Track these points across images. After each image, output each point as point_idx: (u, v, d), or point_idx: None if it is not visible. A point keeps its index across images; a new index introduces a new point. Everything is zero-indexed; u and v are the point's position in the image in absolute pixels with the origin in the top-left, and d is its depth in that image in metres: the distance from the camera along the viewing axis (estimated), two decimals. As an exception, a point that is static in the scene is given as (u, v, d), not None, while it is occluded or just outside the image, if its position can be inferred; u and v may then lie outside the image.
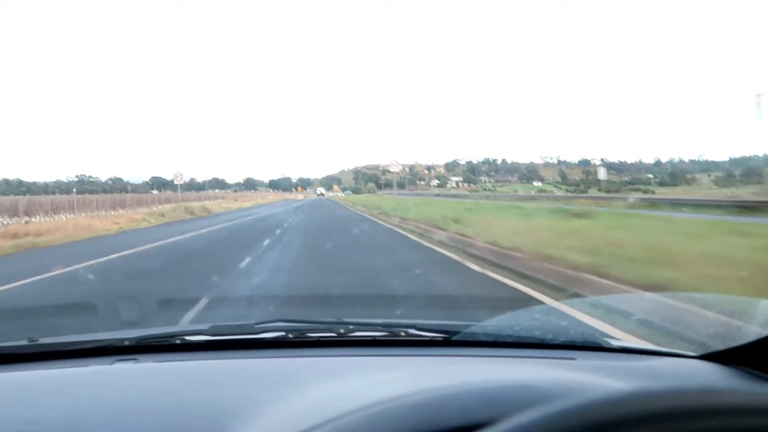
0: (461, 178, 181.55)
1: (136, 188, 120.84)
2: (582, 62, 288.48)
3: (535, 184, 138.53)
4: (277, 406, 1.09)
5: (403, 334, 1.69)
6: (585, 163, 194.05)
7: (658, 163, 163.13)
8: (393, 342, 1.69)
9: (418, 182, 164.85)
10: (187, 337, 1.72)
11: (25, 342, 1.65)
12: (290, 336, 1.70)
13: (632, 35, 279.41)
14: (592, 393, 0.64)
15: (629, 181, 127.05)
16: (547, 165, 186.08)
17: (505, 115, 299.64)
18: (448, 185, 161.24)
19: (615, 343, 1.66)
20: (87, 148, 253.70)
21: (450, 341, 1.66)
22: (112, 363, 1.52)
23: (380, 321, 1.84)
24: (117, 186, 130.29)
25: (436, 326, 1.74)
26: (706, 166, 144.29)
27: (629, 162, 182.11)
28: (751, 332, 1.41)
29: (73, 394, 1.30)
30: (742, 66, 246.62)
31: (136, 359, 1.56)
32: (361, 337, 1.71)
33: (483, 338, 1.69)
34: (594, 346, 1.62)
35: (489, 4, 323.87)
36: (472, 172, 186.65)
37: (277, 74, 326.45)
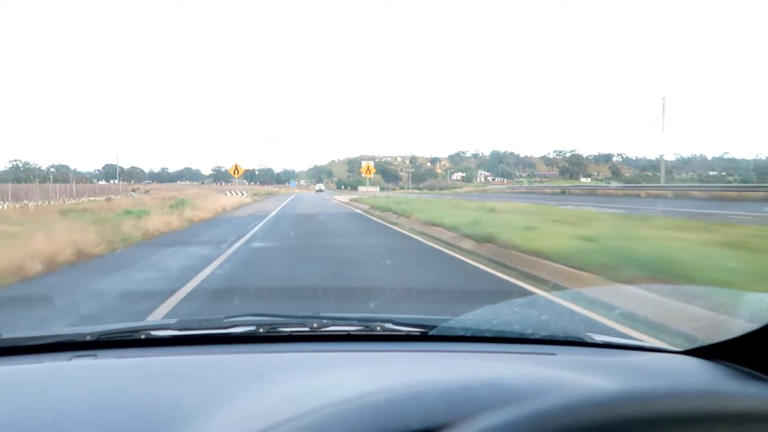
0: (488, 172, 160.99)
1: (76, 177, 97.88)
2: (585, 54, 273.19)
3: (583, 180, 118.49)
4: (240, 404, 1.13)
5: (378, 328, 1.74)
6: (606, 158, 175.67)
7: (686, 160, 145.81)
8: (368, 337, 1.74)
9: (438, 176, 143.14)
10: (153, 332, 1.76)
11: None
12: (261, 331, 1.74)
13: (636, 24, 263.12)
14: (567, 393, 0.61)
15: (700, 178, 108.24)
16: (563, 158, 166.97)
17: (510, 105, 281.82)
18: (476, 179, 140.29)
19: (597, 338, 1.72)
20: (27, 131, 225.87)
21: (427, 336, 1.72)
22: (69, 359, 1.57)
23: (356, 315, 1.90)
24: (59, 175, 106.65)
25: (413, 320, 1.80)
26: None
27: (648, 157, 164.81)
28: (737, 326, 1.48)
29: (25, 391, 1.34)
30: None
31: (95, 355, 1.60)
32: (335, 332, 1.76)
33: (461, 333, 1.73)
34: (575, 341, 1.69)
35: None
36: (500, 162, 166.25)
37: (257, 56, 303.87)
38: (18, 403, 1.24)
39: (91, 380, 1.40)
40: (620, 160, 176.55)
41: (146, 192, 58.21)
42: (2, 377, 1.44)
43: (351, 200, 38.35)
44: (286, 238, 14.31)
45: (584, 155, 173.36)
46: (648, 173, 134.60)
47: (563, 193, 49.44)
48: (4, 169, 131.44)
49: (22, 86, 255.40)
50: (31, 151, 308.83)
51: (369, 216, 22.55)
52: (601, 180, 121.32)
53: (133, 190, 59.92)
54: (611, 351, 1.64)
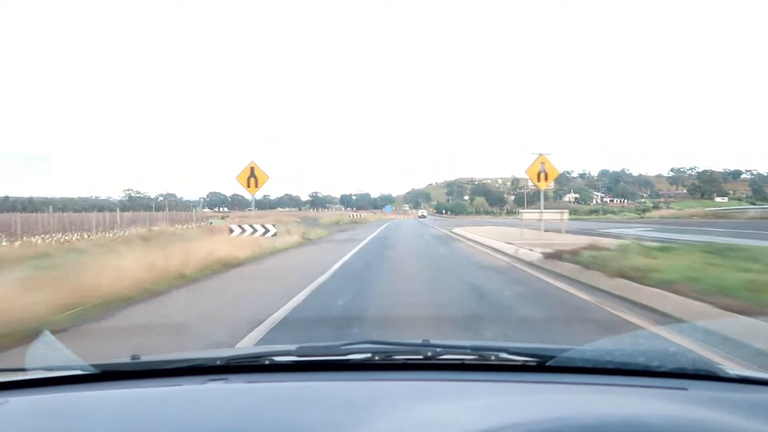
0: (602, 193, 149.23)
1: (183, 205, 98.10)
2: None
3: (718, 200, 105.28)
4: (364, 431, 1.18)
5: (493, 358, 1.72)
6: (733, 175, 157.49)
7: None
8: (482, 366, 1.73)
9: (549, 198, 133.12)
10: (276, 358, 1.86)
11: (128, 359, 1.85)
12: (376, 358, 1.80)
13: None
14: None
15: None
16: (688, 176, 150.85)
17: (618, 121, 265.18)
18: (593, 201, 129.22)
19: (732, 372, 1.63)
20: (137, 163, 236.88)
21: (544, 366, 1.68)
22: (204, 382, 1.70)
23: (469, 344, 1.86)
24: (165, 203, 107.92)
25: (529, 350, 1.77)
26: None
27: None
28: None
29: (167, 412, 1.45)
30: None
31: (226, 379, 1.72)
32: (448, 360, 1.76)
33: (580, 364, 1.68)
34: (707, 375, 1.61)
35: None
36: (618, 182, 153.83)
37: (352, 81, 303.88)
38: (164, 424, 1.33)
39: (225, 403, 1.50)
40: (750, 176, 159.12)
41: (225, 218, 57.20)
42: (146, 398, 1.57)
43: (545, 256, 11.80)
44: None
45: (714, 169, 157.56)
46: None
47: None
48: (120, 198, 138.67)
49: (142, 120, 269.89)
50: (145, 182, 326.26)
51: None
52: (736, 200, 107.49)
53: (222, 218, 58.37)
54: (749, 387, 1.52)
